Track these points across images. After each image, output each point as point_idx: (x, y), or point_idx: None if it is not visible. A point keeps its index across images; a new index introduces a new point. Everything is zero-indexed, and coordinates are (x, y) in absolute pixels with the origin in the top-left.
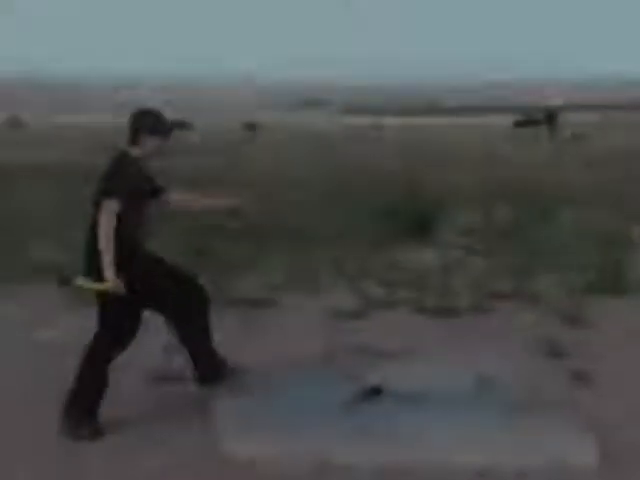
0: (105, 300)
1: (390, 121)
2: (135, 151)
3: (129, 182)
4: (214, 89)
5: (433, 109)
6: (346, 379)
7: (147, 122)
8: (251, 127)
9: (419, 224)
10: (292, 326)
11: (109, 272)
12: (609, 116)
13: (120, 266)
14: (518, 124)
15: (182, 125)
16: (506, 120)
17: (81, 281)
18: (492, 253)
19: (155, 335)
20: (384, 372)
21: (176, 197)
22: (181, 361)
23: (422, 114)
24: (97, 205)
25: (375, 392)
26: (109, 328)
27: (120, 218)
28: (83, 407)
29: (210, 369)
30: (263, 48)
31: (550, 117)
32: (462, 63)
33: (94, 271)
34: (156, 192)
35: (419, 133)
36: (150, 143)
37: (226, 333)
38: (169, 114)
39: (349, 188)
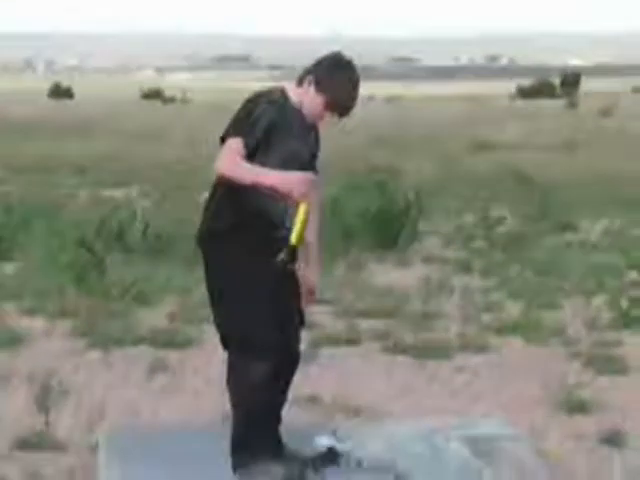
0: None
1: None
2: (293, 95)
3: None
4: None
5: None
6: (292, 440)
7: (326, 75)
8: None
9: (389, 231)
10: (214, 372)
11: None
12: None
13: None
14: (524, 92)
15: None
16: (506, 86)
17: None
18: (489, 270)
19: (26, 384)
20: (342, 432)
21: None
22: (63, 420)
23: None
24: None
25: (330, 457)
26: None
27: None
28: None
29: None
30: None
31: (569, 82)
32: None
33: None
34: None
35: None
36: (311, 98)
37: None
38: None
39: None
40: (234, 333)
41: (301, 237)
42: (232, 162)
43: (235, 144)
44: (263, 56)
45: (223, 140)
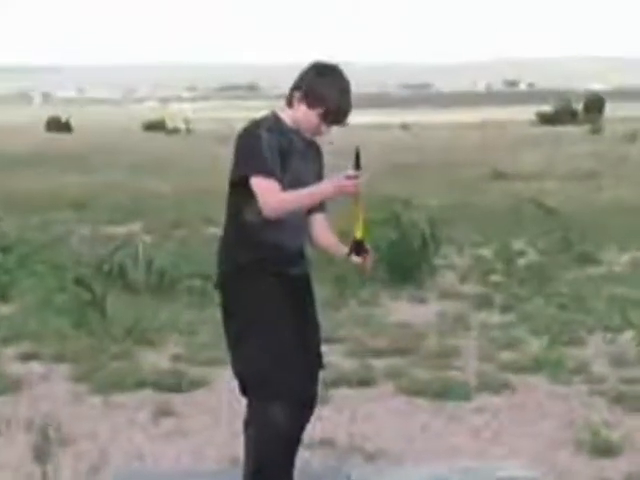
0: None
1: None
2: (285, 116)
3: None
4: None
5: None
6: None
7: (313, 87)
8: None
9: (403, 265)
10: (220, 416)
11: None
12: None
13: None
14: (544, 118)
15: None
16: (526, 112)
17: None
18: (509, 305)
19: (24, 431)
20: (357, 477)
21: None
22: (63, 469)
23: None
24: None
25: None
26: None
27: (243, 207)
28: None
29: None
30: None
31: (592, 107)
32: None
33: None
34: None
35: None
36: (303, 115)
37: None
38: None
39: None
40: (252, 377)
41: (365, 230)
42: (278, 200)
43: (267, 183)
44: (269, 85)
45: (238, 182)
